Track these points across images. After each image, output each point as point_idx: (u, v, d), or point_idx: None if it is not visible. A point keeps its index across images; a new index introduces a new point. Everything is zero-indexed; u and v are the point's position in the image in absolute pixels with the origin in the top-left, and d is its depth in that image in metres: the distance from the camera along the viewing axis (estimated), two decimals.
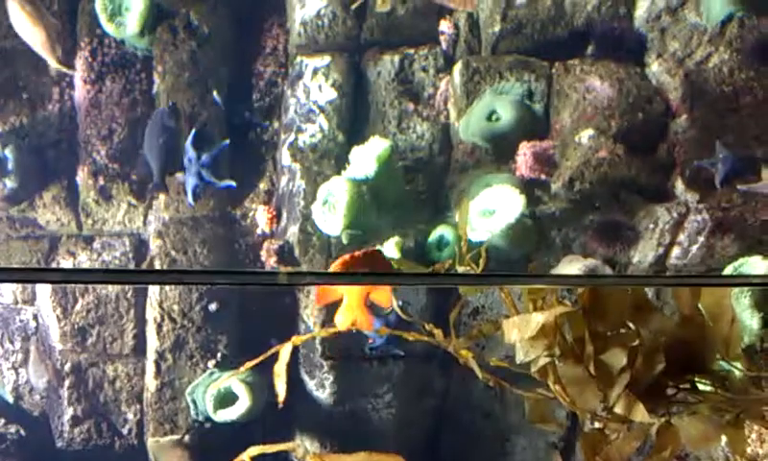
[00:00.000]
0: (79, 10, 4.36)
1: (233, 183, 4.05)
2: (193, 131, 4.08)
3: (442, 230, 3.85)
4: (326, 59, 4.21)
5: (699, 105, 3.74)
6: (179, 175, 4.05)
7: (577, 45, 3.98)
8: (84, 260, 4.24)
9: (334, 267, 2.22)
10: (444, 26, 4.17)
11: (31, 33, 3.84)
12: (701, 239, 3.54)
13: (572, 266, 3.58)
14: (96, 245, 4.31)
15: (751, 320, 3.27)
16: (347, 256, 2.21)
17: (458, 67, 4.07)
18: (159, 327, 4.10)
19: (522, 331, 2.74)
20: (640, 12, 3.93)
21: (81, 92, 4.35)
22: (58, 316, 4.23)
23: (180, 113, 3.41)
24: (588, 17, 3.97)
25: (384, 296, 2.36)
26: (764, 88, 3.69)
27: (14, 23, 3.88)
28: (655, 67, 3.87)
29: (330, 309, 3.91)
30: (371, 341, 3.80)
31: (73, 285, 4.18)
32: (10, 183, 4.34)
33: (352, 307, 2.29)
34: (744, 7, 3.75)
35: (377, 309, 3.78)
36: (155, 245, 4.21)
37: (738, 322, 2.72)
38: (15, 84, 4.39)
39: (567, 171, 3.80)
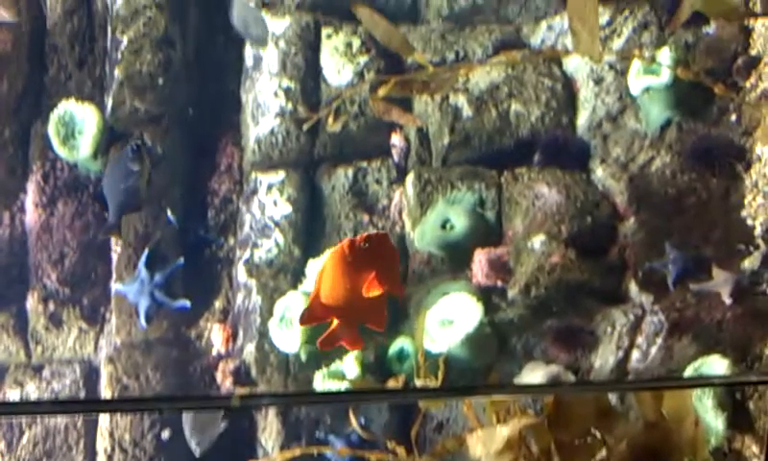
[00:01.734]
0: (31, 134, 4.36)
1: (188, 303, 3.98)
2: (146, 251, 4.02)
3: (402, 342, 3.80)
4: (281, 174, 4.24)
5: (645, 207, 3.83)
6: (127, 293, 3.92)
7: (523, 154, 4.08)
8: (32, 390, 4.08)
9: (332, 256, 1.82)
10: (396, 139, 4.26)
11: None
12: (659, 341, 3.54)
13: (535, 374, 3.55)
14: (45, 373, 4.16)
15: (716, 421, 3.24)
16: (345, 243, 1.83)
17: (410, 178, 4.13)
18: (110, 458, 3.91)
19: (487, 446, 2.68)
20: (582, 120, 4.06)
21: (32, 216, 4.29)
22: (1, 452, 4.02)
23: (145, 156, 3.28)
24: (532, 127, 4.09)
25: (379, 316, 1.94)
26: (707, 189, 3.80)
27: None
28: (600, 172, 3.97)
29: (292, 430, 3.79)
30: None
31: (20, 417, 4.00)
32: None
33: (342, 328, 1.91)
34: (681, 111, 3.91)
35: (338, 426, 3.67)
36: (105, 371, 4.07)
37: (702, 424, 2.70)
38: None
39: (523, 277, 3.82)
